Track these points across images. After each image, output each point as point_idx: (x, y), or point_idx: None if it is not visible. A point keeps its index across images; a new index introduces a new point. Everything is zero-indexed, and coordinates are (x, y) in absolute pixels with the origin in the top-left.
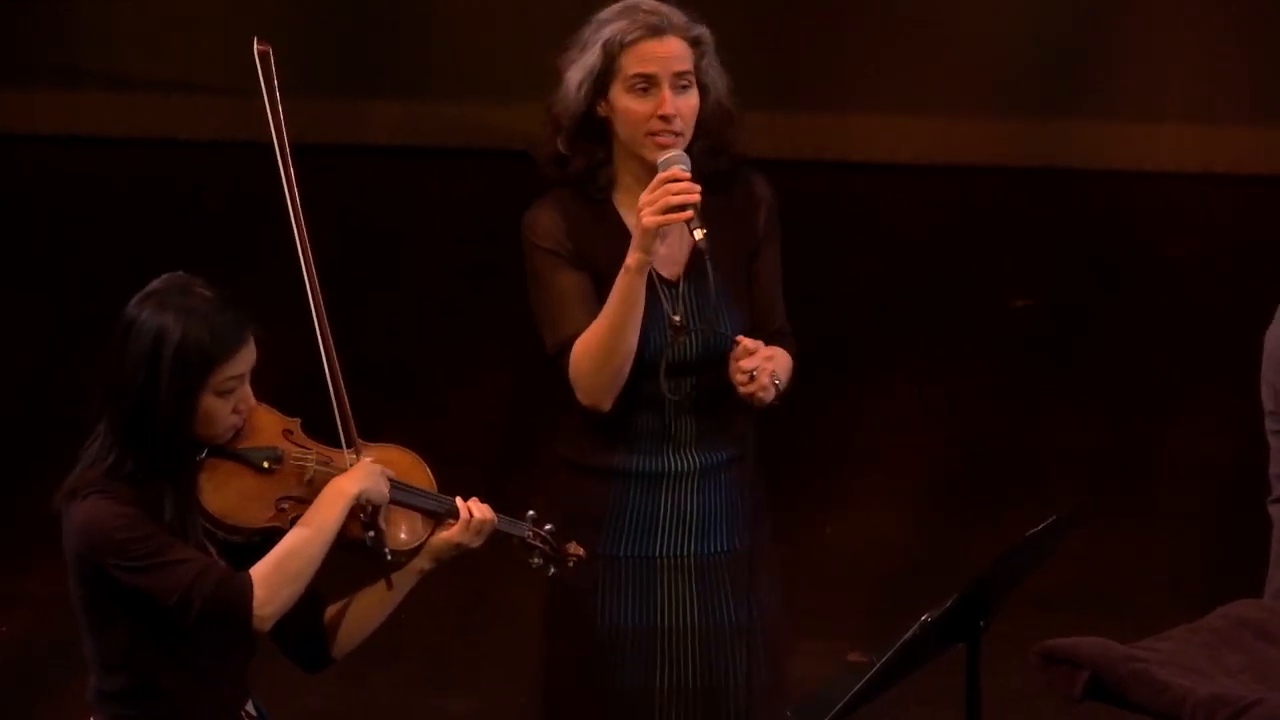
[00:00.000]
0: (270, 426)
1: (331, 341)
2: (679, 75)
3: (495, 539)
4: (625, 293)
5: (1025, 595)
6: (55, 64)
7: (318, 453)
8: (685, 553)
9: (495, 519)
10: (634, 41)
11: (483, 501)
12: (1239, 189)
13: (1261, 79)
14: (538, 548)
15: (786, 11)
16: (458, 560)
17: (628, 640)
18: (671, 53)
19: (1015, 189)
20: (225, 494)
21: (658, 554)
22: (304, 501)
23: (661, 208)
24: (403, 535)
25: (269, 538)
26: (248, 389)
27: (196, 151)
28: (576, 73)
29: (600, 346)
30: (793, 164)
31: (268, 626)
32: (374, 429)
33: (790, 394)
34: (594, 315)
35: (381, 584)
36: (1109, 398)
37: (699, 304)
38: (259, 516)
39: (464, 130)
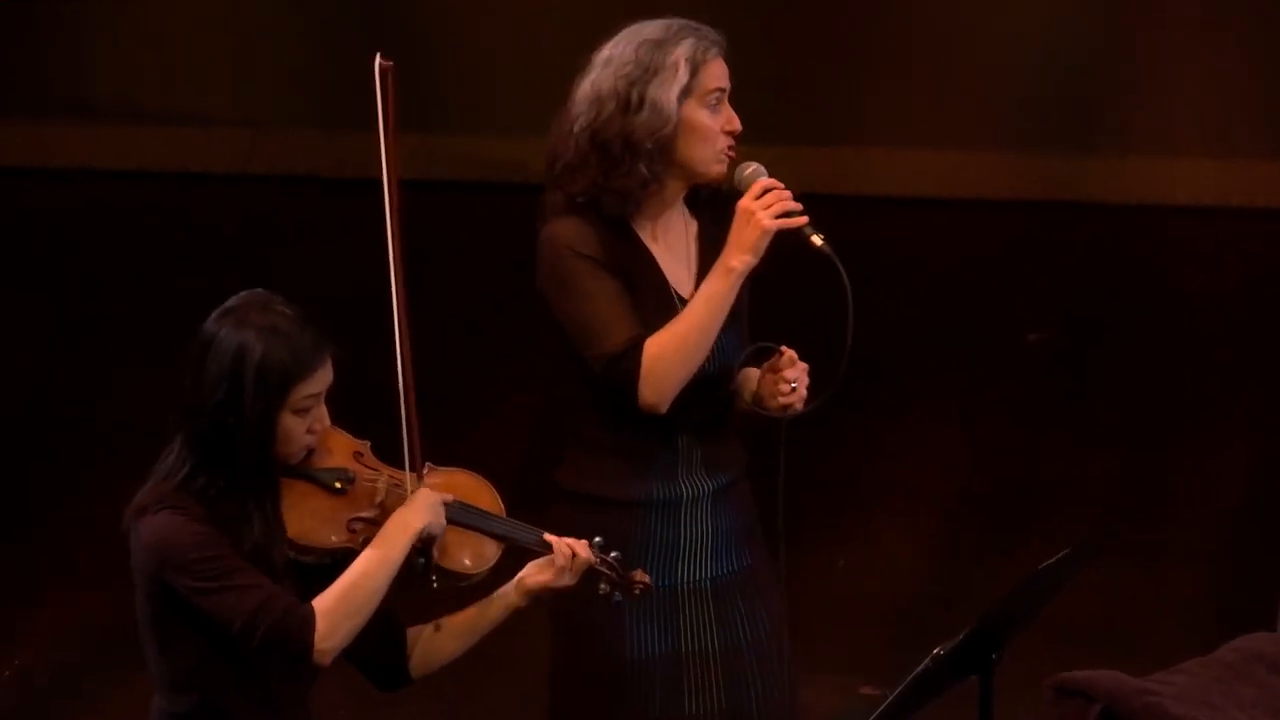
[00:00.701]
0: (341, 448)
1: (410, 366)
2: (729, 92)
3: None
4: (722, 291)
5: (1038, 628)
6: (69, 97)
7: (388, 475)
8: (703, 577)
9: (593, 559)
10: (711, 58)
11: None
12: (1255, 222)
13: (1277, 112)
14: (605, 574)
15: (805, 46)
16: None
17: (656, 671)
18: (726, 70)
19: (1031, 223)
20: (298, 514)
21: (679, 581)
22: (375, 523)
23: (779, 211)
24: (466, 560)
25: (339, 559)
26: (323, 409)
27: (209, 184)
28: (666, 90)
29: (684, 345)
30: (809, 197)
31: (327, 660)
32: (391, 458)
33: (802, 420)
34: (638, 319)
35: (472, 614)
36: (1124, 431)
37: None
38: (331, 538)
39: (477, 164)
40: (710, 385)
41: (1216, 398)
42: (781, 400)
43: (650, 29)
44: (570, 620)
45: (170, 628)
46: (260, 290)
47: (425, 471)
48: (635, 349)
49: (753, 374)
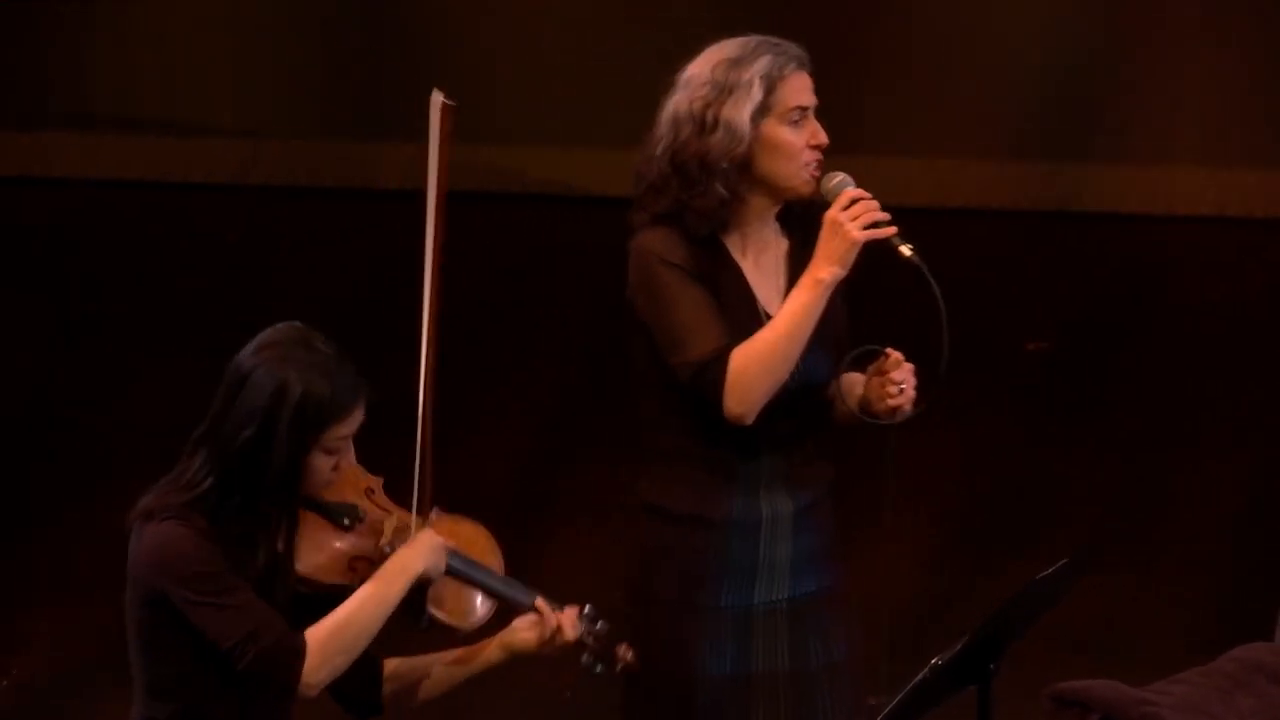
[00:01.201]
0: (354, 483)
1: (430, 415)
2: (814, 107)
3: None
4: (810, 303)
5: (1037, 637)
6: (70, 106)
7: (398, 517)
8: (779, 598)
9: (579, 635)
10: (789, 74)
11: (561, 607)
12: (1251, 232)
13: (1274, 121)
14: (589, 646)
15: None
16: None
17: (727, 691)
18: (810, 84)
19: (1028, 233)
20: (303, 545)
21: (755, 602)
22: (376, 564)
23: (867, 222)
24: (460, 613)
25: (335, 596)
26: (351, 449)
27: (210, 193)
28: (739, 110)
29: (770, 356)
30: None
31: (313, 693)
32: (386, 470)
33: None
34: (726, 328)
35: (451, 663)
36: (1122, 438)
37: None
38: (331, 574)
39: (476, 173)
40: (795, 401)
41: (1215, 405)
42: (890, 403)
43: (728, 47)
44: (642, 634)
45: (158, 635)
46: (298, 325)
47: (433, 517)
48: (721, 358)
49: (856, 379)
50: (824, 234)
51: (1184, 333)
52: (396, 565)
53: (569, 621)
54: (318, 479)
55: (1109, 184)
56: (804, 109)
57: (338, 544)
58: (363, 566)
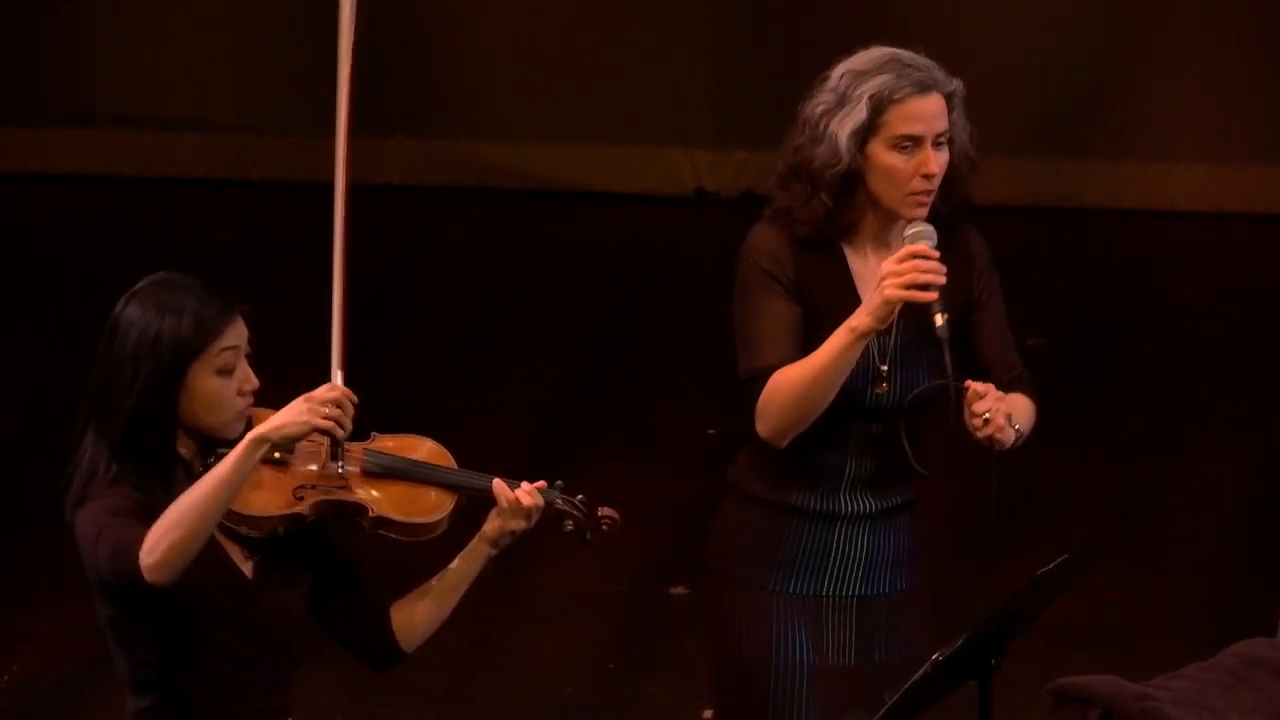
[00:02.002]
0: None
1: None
2: (939, 134)
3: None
4: (842, 352)
5: (1038, 633)
6: (69, 104)
7: (325, 442)
8: (850, 592)
9: (542, 502)
10: (903, 99)
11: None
12: (1252, 228)
13: (1274, 117)
14: (570, 514)
15: (804, 52)
16: (465, 604)
17: (797, 674)
18: (935, 110)
19: (1028, 229)
20: (242, 490)
21: (825, 593)
22: (320, 488)
23: (909, 283)
24: (419, 510)
25: (293, 526)
26: (248, 368)
27: (209, 190)
28: (843, 126)
29: (798, 391)
30: None
31: (158, 577)
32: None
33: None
34: (795, 349)
35: (447, 573)
36: (1122, 436)
37: (904, 355)
38: (275, 505)
39: (476, 169)
40: (894, 410)
41: (1215, 403)
42: (979, 435)
43: (861, 58)
44: (722, 611)
45: (127, 624)
46: (163, 272)
47: (371, 439)
48: (760, 380)
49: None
50: (875, 281)
51: (1184, 329)
52: (242, 442)
53: (527, 488)
54: (225, 407)
55: (1109, 180)
56: (914, 138)
57: (275, 479)
58: (308, 493)
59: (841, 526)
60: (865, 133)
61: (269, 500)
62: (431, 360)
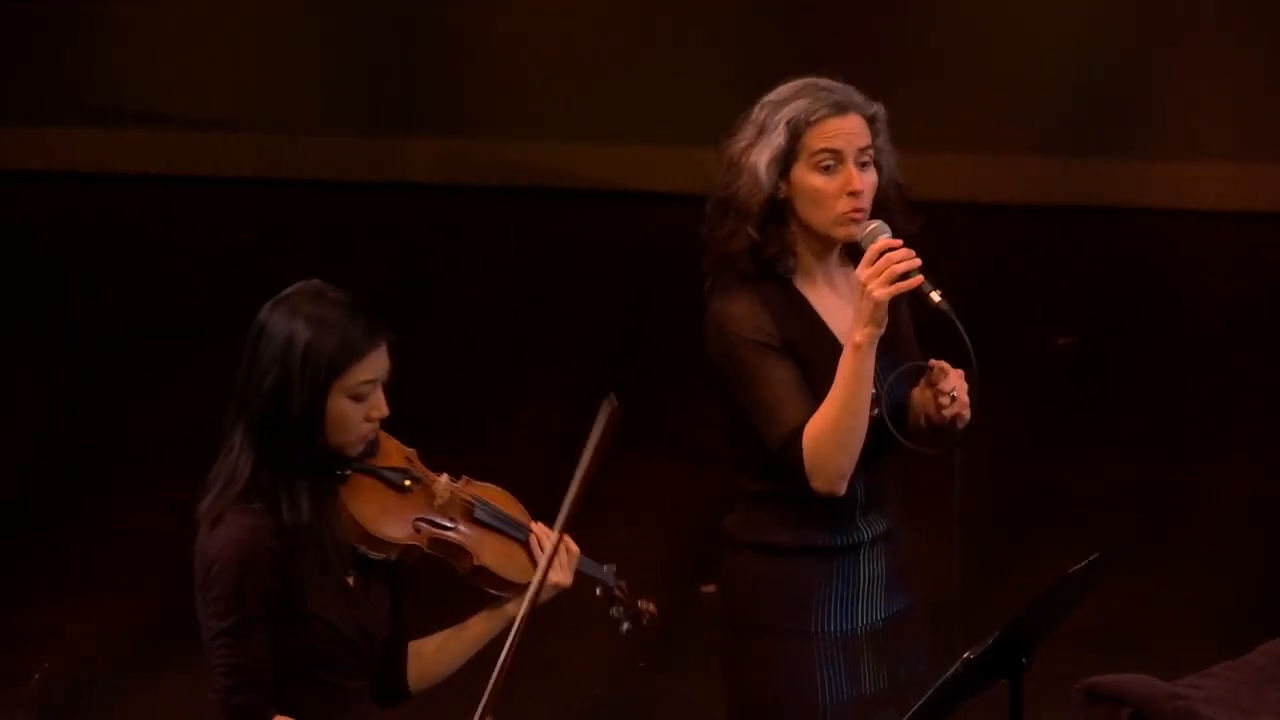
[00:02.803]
0: (395, 451)
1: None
2: (861, 151)
3: (582, 583)
4: (857, 369)
5: (1069, 632)
6: (96, 103)
7: (444, 480)
8: (877, 619)
9: (575, 548)
10: (819, 119)
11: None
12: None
13: None
14: (618, 598)
15: (832, 51)
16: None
17: (845, 715)
18: (854, 129)
19: (1056, 228)
20: (370, 508)
21: (859, 627)
22: (435, 525)
23: (890, 278)
24: (515, 570)
25: (404, 557)
26: (381, 396)
27: (232, 189)
28: (762, 155)
29: (837, 428)
30: None
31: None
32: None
33: None
34: (811, 400)
35: (468, 628)
36: (1148, 435)
37: (887, 374)
38: (400, 534)
39: (503, 168)
40: (882, 425)
41: (1242, 402)
42: (945, 414)
43: (779, 90)
44: (757, 673)
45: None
46: (315, 280)
47: (462, 482)
48: (796, 442)
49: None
50: (856, 294)
51: (1212, 328)
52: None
53: (564, 554)
54: (352, 429)
55: (1137, 179)
56: (834, 153)
57: (401, 505)
58: (425, 527)
59: (865, 554)
60: (786, 159)
61: (396, 528)
62: (455, 359)
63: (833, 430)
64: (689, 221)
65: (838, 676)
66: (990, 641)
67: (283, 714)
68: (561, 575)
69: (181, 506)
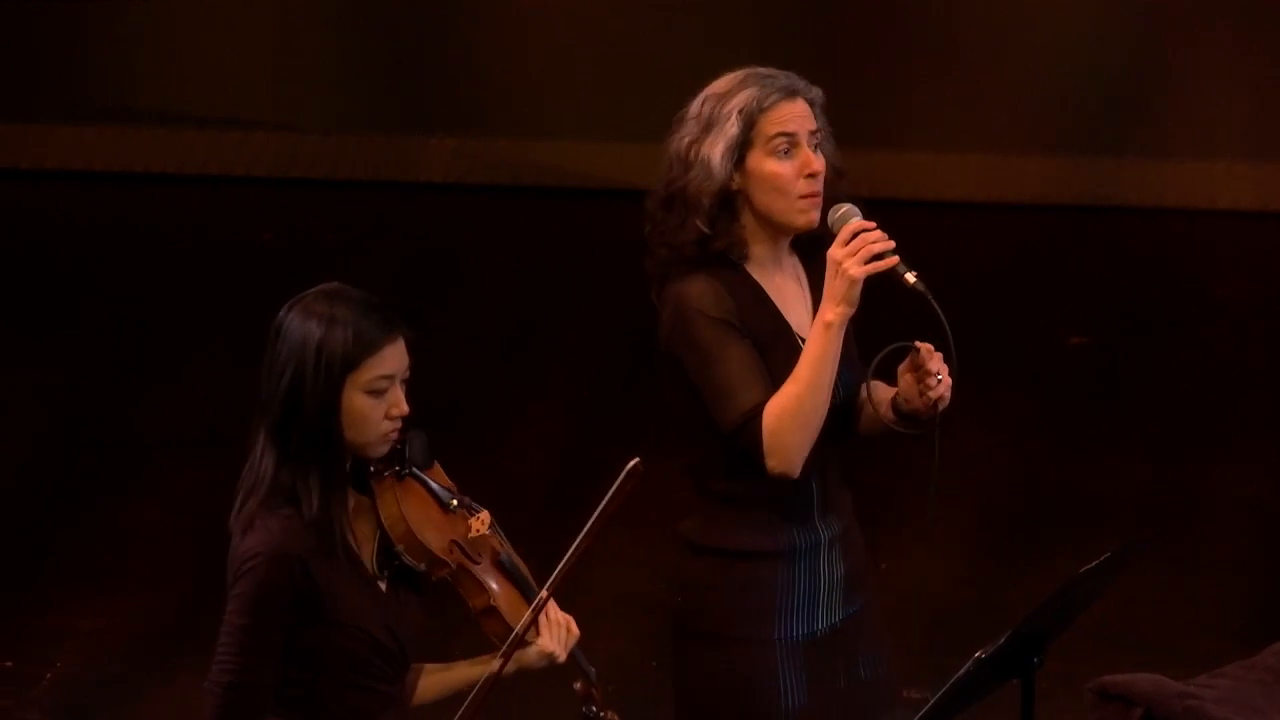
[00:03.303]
0: (442, 476)
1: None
2: (812, 134)
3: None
4: (826, 349)
5: (1080, 632)
6: (110, 101)
7: (483, 517)
8: (837, 619)
9: (576, 631)
10: (772, 105)
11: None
12: None
13: None
14: (594, 697)
15: (839, 50)
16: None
17: (811, 718)
18: (804, 113)
19: (1068, 227)
20: (419, 513)
21: (819, 628)
22: (466, 554)
23: (865, 256)
24: (519, 616)
25: (431, 571)
26: (400, 394)
27: (250, 188)
28: (715, 146)
29: (800, 407)
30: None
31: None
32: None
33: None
34: (768, 383)
35: (473, 669)
36: (1159, 435)
37: (839, 363)
38: (437, 546)
39: (517, 168)
40: (836, 422)
41: (1254, 403)
42: (931, 395)
43: (720, 82)
44: (715, 680)
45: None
46: (334, 282)
47: (494, 528)
48: (755, 418)
49: (882, 386)
50: (828, 274)
51: (1225, 327)
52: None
53: (565, 621)
54: (371, 427)
55: (1150, 178)
56: (789, 136)
57: (443, 522)
58: (457, 552)
59: (824, 555)
60: (741, 148)
61: (435, 540)
62: (470, 358)
63: (795, 408)
64: None
65: (800, 680)
66: (1002, 640)
67: (311, 715)
68: (557, 647)
69: (197, 506)
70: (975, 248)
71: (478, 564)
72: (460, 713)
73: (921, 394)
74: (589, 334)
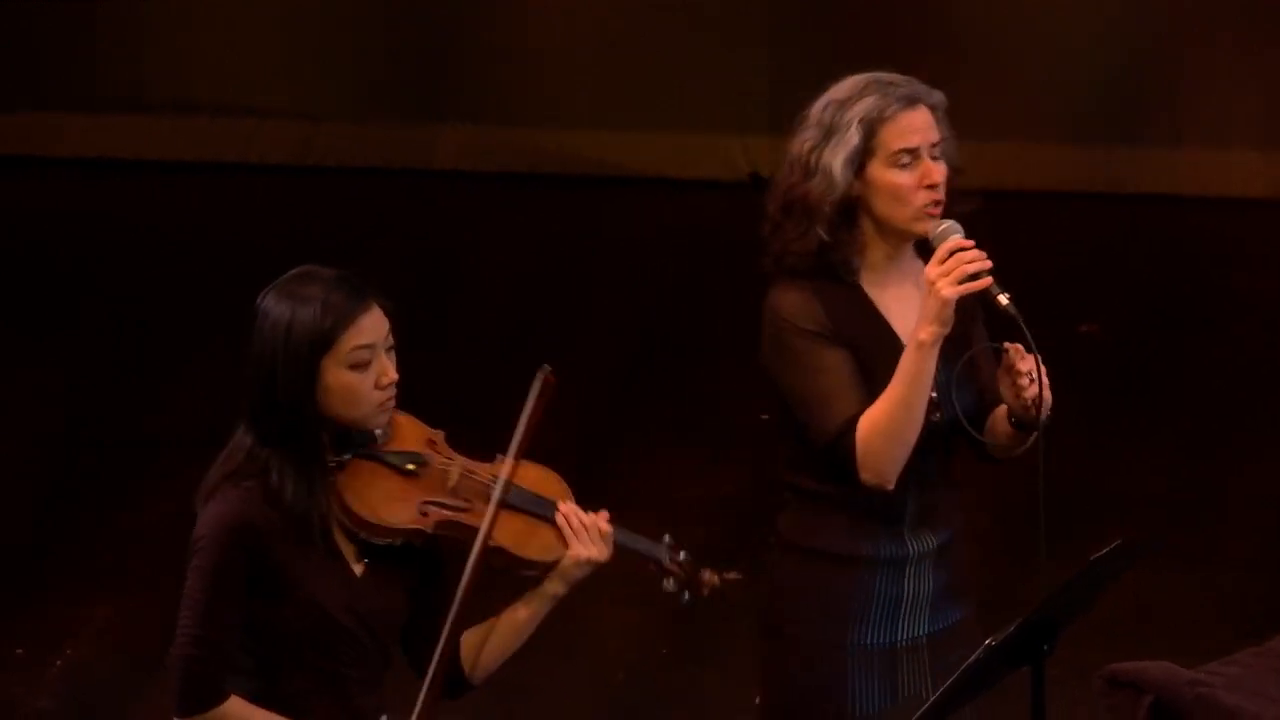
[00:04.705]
0: (414, 435)
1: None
2: (933, 145)
3: (628, 558)
4: (919, 367)
5: (1090, 622)
6: (125, 89)
7: (462, 462)
8: (921, 633)
9: (608, 527)
10: (893, 115)
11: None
12: None
13: None
14: (673, 573)
15: (854, 39)
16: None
17: None
18: (925, 122)
19: (1083, 215)
20: (369, 494)
21: (899, 639)
22: (447, 507)
23: (959, 277)
24: (538, 548)
25: (412, 540)
26: (386, 361)
27: (264, 176)
28: (835, 155)
29: (892, 422)
30: None
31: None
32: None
33: None
34: (864, 392)
35: (515, 613)
36: (1173, 428)
37: (947, 377)
38: (401, 517)
39: (529, 156)
40: (943, 439)
41: (1269, 391)
42: (1026, 395)
43: (840, 88)
44: (783, 673)
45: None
46: (309, 265)
47: (496, 461)
48: (849, 432)
49: (1000, 413)
50: (924, 292)
51: (1241, 317)
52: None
53: (589, 518)
54: (362, 400)
55: (1165, 166)
56: (911, 150)
57: (405, 489)
58: (433, 510)
59: (911, 569)
60: (861, 157)
61: (396, 512)
62: (483, 346)
63: (886, 423)
64: (713, 209)
65: (871, 687)
66: (1013, 628)
67: (275, 697)
68: (592, 550)
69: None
70: (988, 237)
71: (467, 510)
72: (452, 614)
73: (1016, 395)
74: (601, 321)
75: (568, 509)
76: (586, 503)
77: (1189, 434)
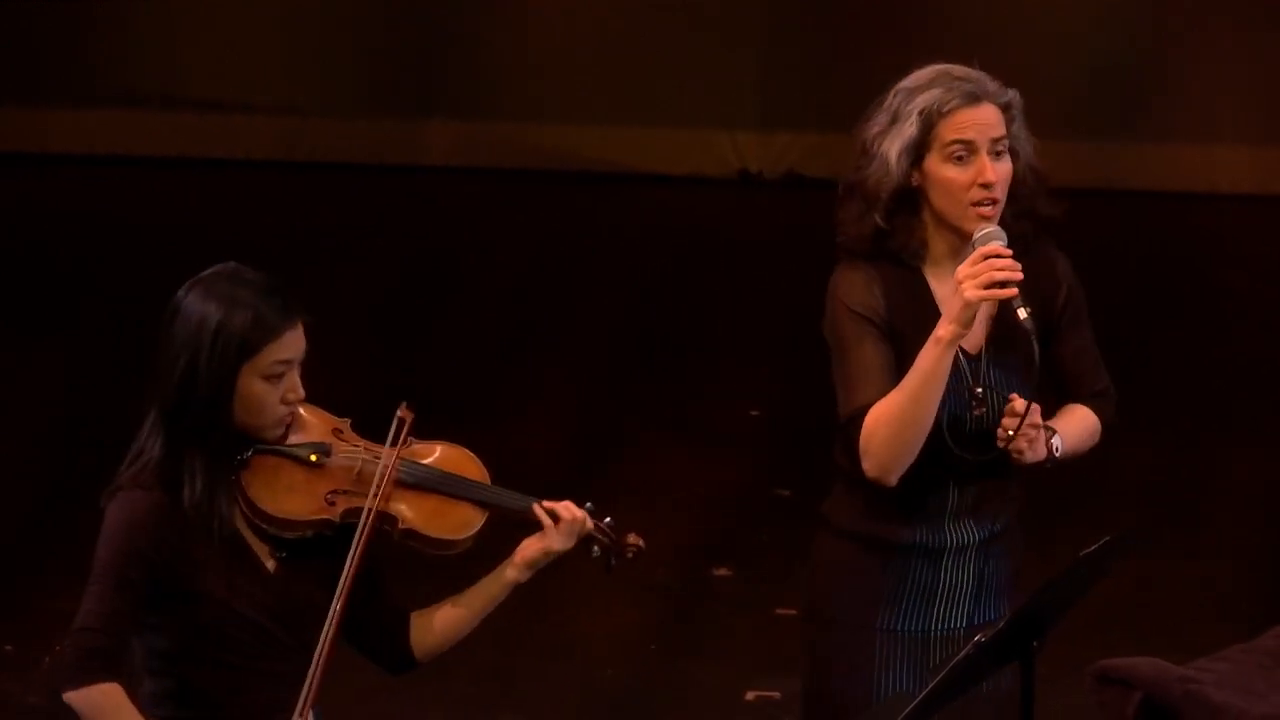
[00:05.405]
0: (319, 425)
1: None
2: (995, 141)
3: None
4: (933, 365)
5: (1080, 617)
6: (116, 85)
7: (366, 448)
8: (958, 624)
9: (585, 519)
10: (952, 110)
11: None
12: None
13: None
14: (598, 538)
15: (847, 34)
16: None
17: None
18: (988, 119)
19: (1073, 211)
20: (272, 489)
21: (932, 627)
22: (353, 494)
23: (985, 282)
24: (449, 527)
25: (321, 531)
26: (296, 378)
27: (254, 171)
28: (893, 144)
29: (898, 418)
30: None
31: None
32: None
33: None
34: (891, 386)
35: (471, 595)
36: (1163, 421)
37: (999, 377)
38: (306, 509)
39: (518, 151)
40: (989, 434)
41: (1257, 386)
42: (998, 444)
43: (912, 77)
44: (819, 652)
45: (143, 612)
46: (231, 262)
47: (409, 444)
48: (859, 418)
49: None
50: (952, 291)
51: (1228, 311)
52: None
53: (565, 506)
54: (267, 412)
55: (1152, 162)
56: (965, 143)
57: (309, 481)
58: (340, 499)
59: (948, 559)
60: (918, 148)
61: (301, 504)
62: (475, 342)
63: (893, 416)
64: (705, 204)
65: (900, 673)
66: (1002, 624)
67: (185, 694)
68: (568, 543)
69: None
70: None
71: (371, 496)
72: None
73: (1006, 441)
74: (593, 316)
75: (550, 505)
76: (579, 498)
77: (1173, 424)
